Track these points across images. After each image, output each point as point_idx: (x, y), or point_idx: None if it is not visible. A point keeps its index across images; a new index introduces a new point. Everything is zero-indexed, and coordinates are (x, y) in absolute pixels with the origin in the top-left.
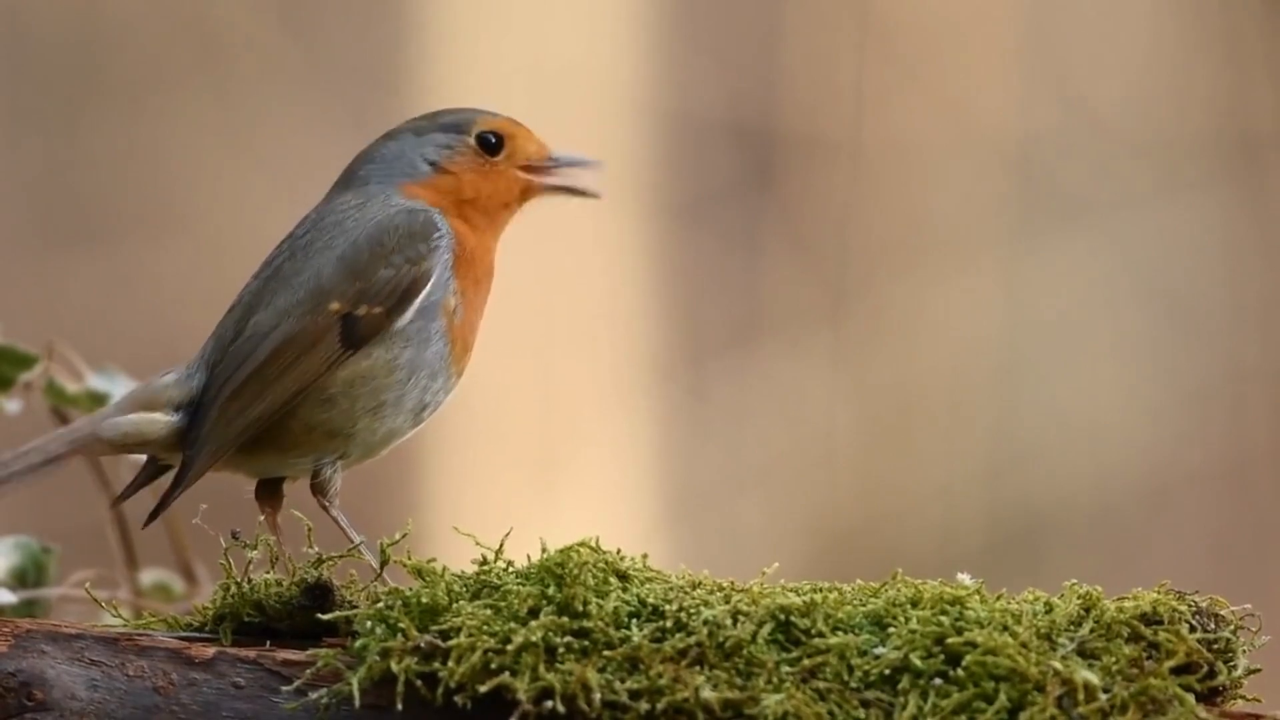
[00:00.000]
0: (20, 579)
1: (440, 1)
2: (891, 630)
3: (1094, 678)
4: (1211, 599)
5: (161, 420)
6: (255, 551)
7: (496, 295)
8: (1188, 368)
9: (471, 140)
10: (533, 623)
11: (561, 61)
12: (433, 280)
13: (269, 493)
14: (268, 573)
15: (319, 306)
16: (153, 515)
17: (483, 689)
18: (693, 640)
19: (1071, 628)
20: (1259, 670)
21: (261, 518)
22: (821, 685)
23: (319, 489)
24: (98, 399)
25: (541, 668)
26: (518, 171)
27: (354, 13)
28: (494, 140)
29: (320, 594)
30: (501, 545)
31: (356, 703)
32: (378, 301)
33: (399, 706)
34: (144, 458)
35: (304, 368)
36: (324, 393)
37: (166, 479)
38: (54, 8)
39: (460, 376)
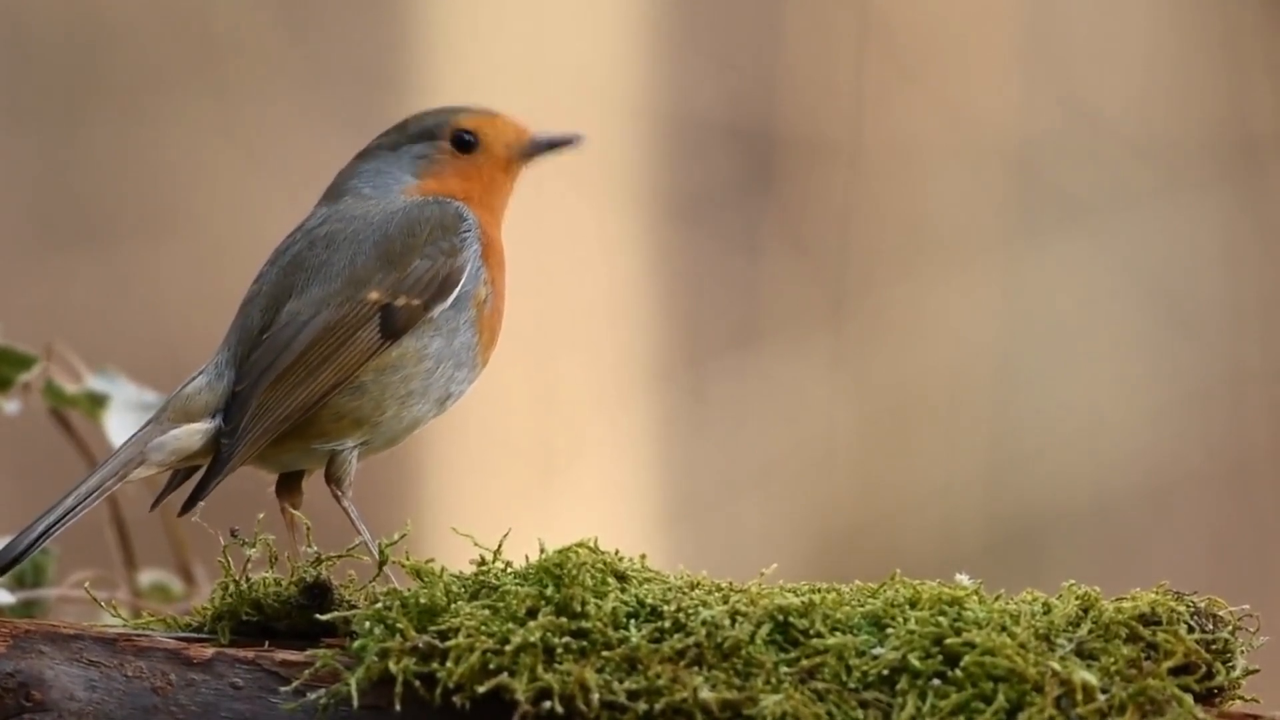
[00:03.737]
0: (19, 579)
1: (440, 2)
2: (890, 631)
3: (1092, 678)
4: (1210, 599)
5: (201, 429)
6: (254, 550)
7: None
8: (1187, 368)
9: (446, 144)
10: (531, 623)
11: (561, 62)
12: (467, 271)
13: (288, 489)
14: (267, 572)
15: (356, 295)
16: (187, 505)
17: (481, 689)
18: (691, 641)
19: (1070, 628)
20: (1257, 671)
21: (261, 516)
22: (820, 686)
23: (334, 478)
24: (97, 400)
25: (540, 668)
26: (500, 159)
27: (353, 13)
28: (469, 138)
29: (319, 593)
30: (500, 546)
31: (355, 703)
32: (416, 293)
33: (397, 707)
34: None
35: (344, 357)
36: (355, 381)
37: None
38: (54, 8)
39: (485, 366)
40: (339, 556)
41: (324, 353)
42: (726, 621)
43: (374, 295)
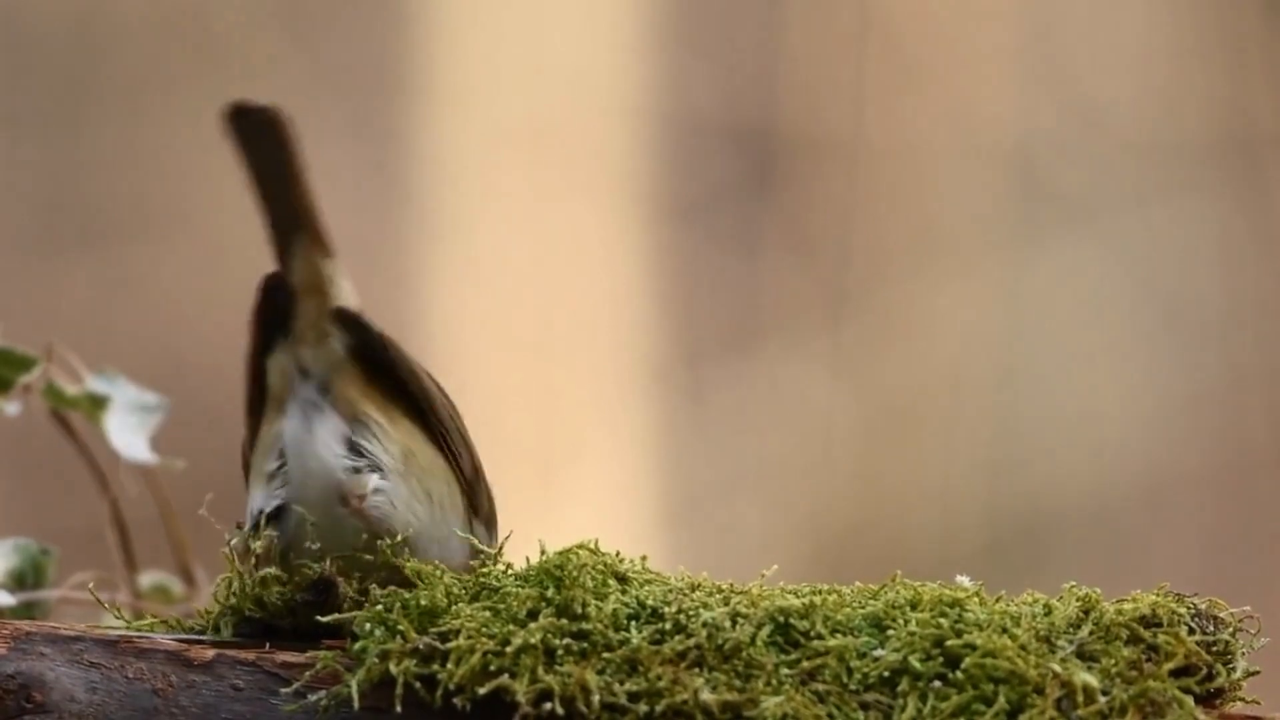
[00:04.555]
0: (19, 581)
1: (440, 4)
2: (891, 632)
3: (1093, 680)
4: (1210, 601)
5: None
6: (259, 545)
7: (497, 296)
8: (1186, 369)
9: None
10: (532, 625)
11: (561, 62)
12: None
13: None
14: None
15: None
16: None
17: (482, 691)
18: (692, 642)
19: (1071, 630)
20: (1258, 672)
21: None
22: (821, 687)
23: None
24: (97, 401)
25: (540, 670)
26: None
27: (354, 14)
28: None
29: (324, 589)
30: (500, 547)
31: (355, 705)
32: None
33: (398, 709)
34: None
35: None
36: None
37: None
38: (54, 8)
39: None
40: (341, 557)
41: None
42: (727, 623)
43: None
